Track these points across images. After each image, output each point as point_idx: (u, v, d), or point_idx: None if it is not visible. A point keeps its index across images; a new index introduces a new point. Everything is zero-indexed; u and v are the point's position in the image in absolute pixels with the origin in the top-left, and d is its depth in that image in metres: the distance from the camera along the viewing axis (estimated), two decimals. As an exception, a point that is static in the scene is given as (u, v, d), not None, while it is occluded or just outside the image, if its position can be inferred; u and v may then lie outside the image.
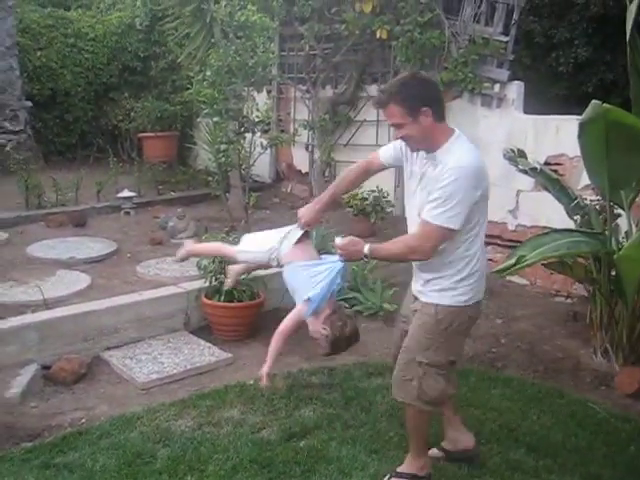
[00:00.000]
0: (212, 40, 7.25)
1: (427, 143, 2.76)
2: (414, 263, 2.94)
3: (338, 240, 2.89)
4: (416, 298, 2.97)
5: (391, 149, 3.05)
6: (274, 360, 3.68)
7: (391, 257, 2.98)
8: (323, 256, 3.74)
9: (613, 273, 4.29)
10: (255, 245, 3.89)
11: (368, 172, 3.24)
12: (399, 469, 3.04)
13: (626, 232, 4.42)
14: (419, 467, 3.01)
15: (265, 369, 3.64)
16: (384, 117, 2.87)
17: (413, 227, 2.87)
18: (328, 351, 3.55)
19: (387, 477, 3.04)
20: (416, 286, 2.97)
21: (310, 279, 3.53)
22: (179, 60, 8.54)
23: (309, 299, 3.51)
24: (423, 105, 2.68)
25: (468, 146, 2.76)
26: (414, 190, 2.88)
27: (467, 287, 2.81)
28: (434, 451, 3.22)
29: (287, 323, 3.68)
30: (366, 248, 2.79)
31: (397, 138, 2.85)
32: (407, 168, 2.94)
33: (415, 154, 2.87)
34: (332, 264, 3.52)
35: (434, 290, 2.84)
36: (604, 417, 3.70)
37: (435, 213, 2.65)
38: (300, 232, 3.59)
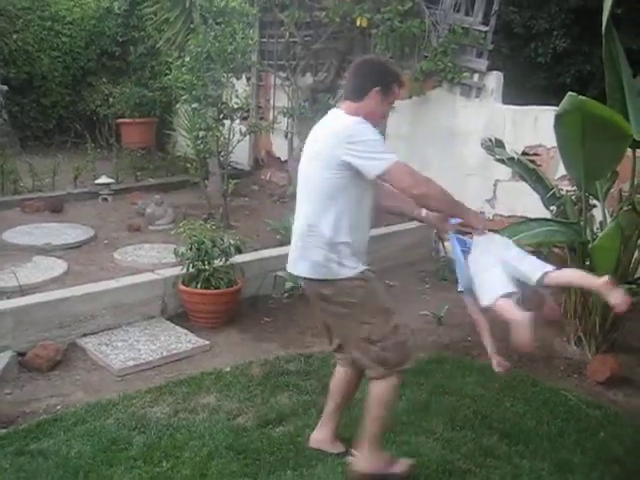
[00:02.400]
0: (191, 26, 7.20)
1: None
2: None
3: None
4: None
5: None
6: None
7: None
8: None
9: (588, 263, 4.33)
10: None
11: None
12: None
13: (600, 222, 4.47)
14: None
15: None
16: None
17: None
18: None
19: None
20: None
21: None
22: (158, 45, 8.48)
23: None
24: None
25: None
26: None
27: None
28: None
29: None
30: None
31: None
32: None
33: None
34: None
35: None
36: (576, 404, 3.76)
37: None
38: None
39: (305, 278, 2.95)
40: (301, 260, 2.93)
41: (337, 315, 2.93)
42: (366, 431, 2.93)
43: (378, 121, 2.94)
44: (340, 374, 3.18)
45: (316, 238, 2.84)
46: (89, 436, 3.28)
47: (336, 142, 2.75)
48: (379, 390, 2.89)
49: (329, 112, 2.98)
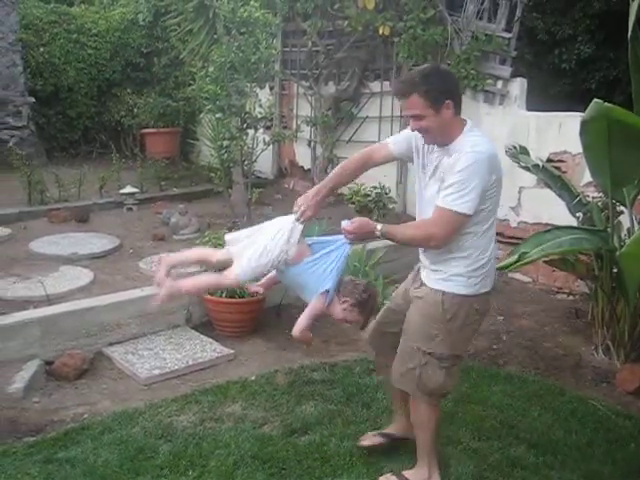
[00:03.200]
0: (215, 36, 7.25)
1: (444, 136, 2.71)
2: (421, 249, 2.90)
3: (346, 223, 2.80)
4: (422, 284, 2.89)
5: (403, 140, 2.97)
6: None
7: (405, 240, 2.81)
8: (325, 238, 3.33)
9: (615, 270, 4.29)
10: (255, 258, 3.05)
11: (369, 163, 3.09)
12: (405, 473, 3.02)
13: (628, 229, 4.43)
14: (423, 478, 2.99)
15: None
16: (402, 108, 2.81)
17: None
18: (361, 318, 3.11)
19: (390, 474, 3.05)
20: (422, 272, 2.91)
21: (323, 272, 3.16)
22: (182, 56, 8.54)
23: (327, 291, 3.10)
24: (447, 98, 2.65)
25: (482, 135, 2.74)
26: (426, 183, 2.83)
27: (475, 278, 2.76)
28: (375, 438, 3.27)
29: (302, 322, 3.11)
30: (379, 227, 2.73)
31: (414, 130, 2.76)
32: (419, 161, 2.88)
33: (427, 147, 2.83)
34: (340, 250, 3.15)
35: (441, 278, 2.79)
36: (605, 414, 3.71)
37: (452, 198, 2.60)
38: (301, 227, 3.18)
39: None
40: None
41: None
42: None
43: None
44: None
45: None
46: (116, 445, 3.30)
47: None
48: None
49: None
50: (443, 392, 2.93)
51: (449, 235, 2.66)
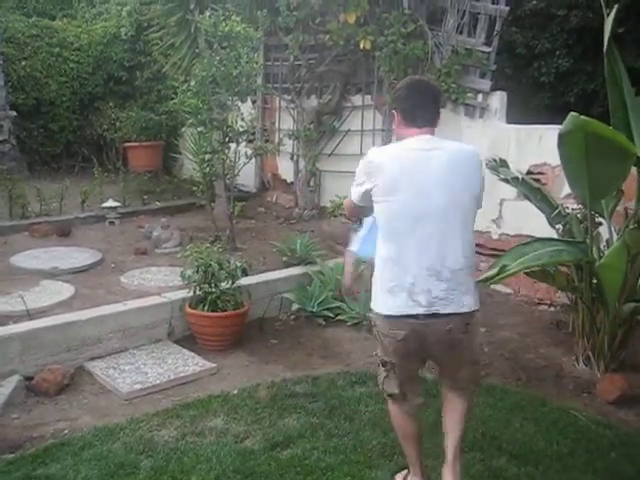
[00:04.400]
0: (196, 50, 7.28)
1: None
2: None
3: None
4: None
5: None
6: None
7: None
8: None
9: (594, 281, 4.32)
10: None
11: None
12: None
13: (607, 240, 4.47)
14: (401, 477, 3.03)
15: None
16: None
17: None
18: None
19: None
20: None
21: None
22: (164, 70, 8.57)
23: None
24: (393, 108, 2.84)
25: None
26: None
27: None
28: None
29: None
30: None
31: None
32: None
33: None
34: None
35: None
36: (586, 424, 3.73)
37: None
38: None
39: (460, 314, 2.69)
40: (467, 295, 2.71)
41: (471, 343, 2.86)
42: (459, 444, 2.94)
43: None
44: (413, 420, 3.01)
45: (472, 269, 2.76)
46: (96, 460, 3.27)
47: (478, 172, 2.81)
48: (469, 404, 2.99)
49: (419, 139, 2.79)
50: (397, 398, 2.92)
51: None
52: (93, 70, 10.50)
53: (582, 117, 3.52)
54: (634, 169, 4.12)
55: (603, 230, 4.53)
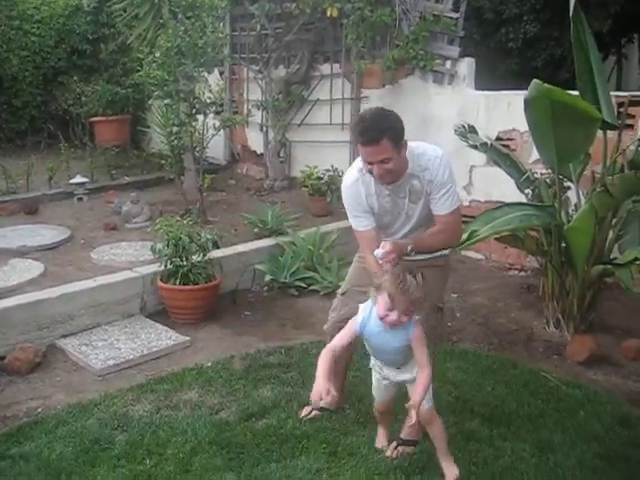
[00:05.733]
0: (161, 21, 7.14)
1: (401, 172, 2.90)
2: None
3: (380, 251, 2.84)
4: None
5: (363, 212, 3.05)
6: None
7: (437, 245, 3.09)
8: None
9: (563, 245, 4.37)
10: None
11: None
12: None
13: (575, 204, 4.52)
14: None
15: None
16: (369, 155, 2.80)
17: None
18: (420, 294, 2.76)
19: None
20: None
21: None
22: (129, 42, 8.39)
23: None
24: (403, 138, 2.83)
25: (415, 142, 2.95)
26: (403, 210, 3.03)
27: None
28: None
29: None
30: (409, 248, 2.92)
31: (380, 174, 2.83)
32: (379, 205, 3.02)
33: (376, 187, 2.98)
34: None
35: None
36: (556, 385, 3.80)
37: (452, 200, 2.95)
38: None
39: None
40: None
41: None
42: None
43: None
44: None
45: None
46: (71, 437, 3.26)
47: None
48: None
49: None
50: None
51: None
52: (55, 43, 10.22)
53: (545, 85, 3.54)
54: (601, 133, 4.16)
55: (571, 194, 4.58)
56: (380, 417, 3.21)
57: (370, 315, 2.81)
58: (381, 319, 2.72)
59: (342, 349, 2.86)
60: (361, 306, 2.87)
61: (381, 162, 2.80)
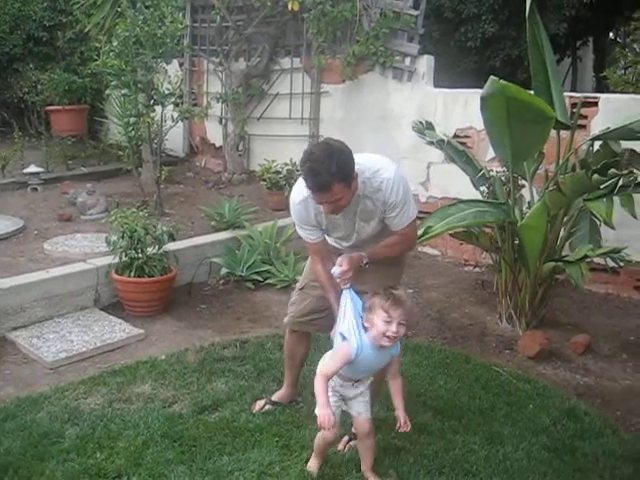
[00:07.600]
0: (119, 9, 7.02)
1: (351, 198, 2.78)
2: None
3: (336, 270, 2.82)
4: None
5: (312, 226, 2.99)
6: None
7: (393, 255, 3.08)
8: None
9: (517, 242, 4.45)
10: None
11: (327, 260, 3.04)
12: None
13: (529, 202, 4.59)
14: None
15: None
16: (321, 199, 2.71)
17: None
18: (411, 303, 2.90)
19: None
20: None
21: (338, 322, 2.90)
22: (87, 30, 8.23)
23: (342, 335, 2.76)
24: (354, 171, 2.70)
25: (368, 157, 2.88)
26: (354, 228, 2.97)
27: None
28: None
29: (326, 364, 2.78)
30: (364, 261, 2.94)
31: (331, 210, 2.76)
32: (329, 221, 2.95)
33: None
34: (343, 298, 2.89)
35: None
36: (507, 379, 3.87)
37: (408, 216, 2.91)
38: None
39: None
40: None
41: None
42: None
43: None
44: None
45: None
46: (19, 431, 3.20)
47: None
48: None
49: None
50: None
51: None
52: (10, 29, 9.96)
53: (501, 81, 3.58)
54: (554, 132, 4.23)
55: (526, 192, 4.65)
56: (324, 448, 2.94)
57: (362, 340, 2.68)
58: (383, 337, 2.62)
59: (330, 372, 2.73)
60: (341, 332, 2.74)
61: (334, 202, 2.70)
